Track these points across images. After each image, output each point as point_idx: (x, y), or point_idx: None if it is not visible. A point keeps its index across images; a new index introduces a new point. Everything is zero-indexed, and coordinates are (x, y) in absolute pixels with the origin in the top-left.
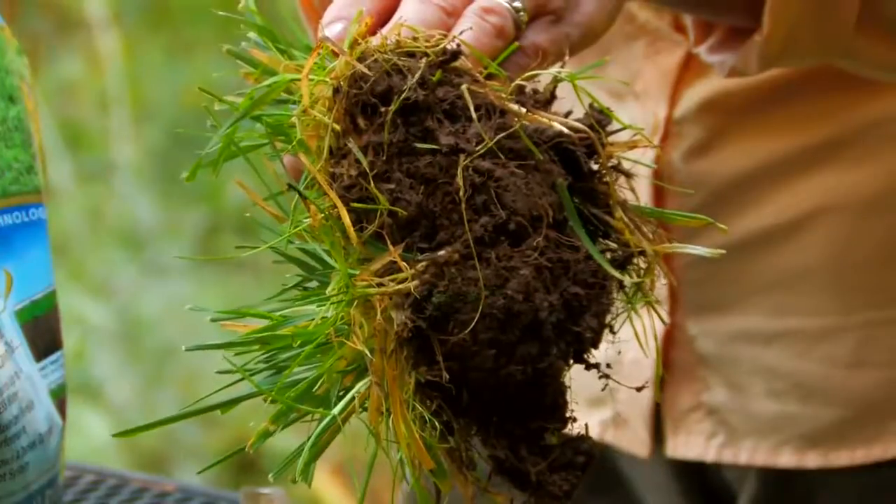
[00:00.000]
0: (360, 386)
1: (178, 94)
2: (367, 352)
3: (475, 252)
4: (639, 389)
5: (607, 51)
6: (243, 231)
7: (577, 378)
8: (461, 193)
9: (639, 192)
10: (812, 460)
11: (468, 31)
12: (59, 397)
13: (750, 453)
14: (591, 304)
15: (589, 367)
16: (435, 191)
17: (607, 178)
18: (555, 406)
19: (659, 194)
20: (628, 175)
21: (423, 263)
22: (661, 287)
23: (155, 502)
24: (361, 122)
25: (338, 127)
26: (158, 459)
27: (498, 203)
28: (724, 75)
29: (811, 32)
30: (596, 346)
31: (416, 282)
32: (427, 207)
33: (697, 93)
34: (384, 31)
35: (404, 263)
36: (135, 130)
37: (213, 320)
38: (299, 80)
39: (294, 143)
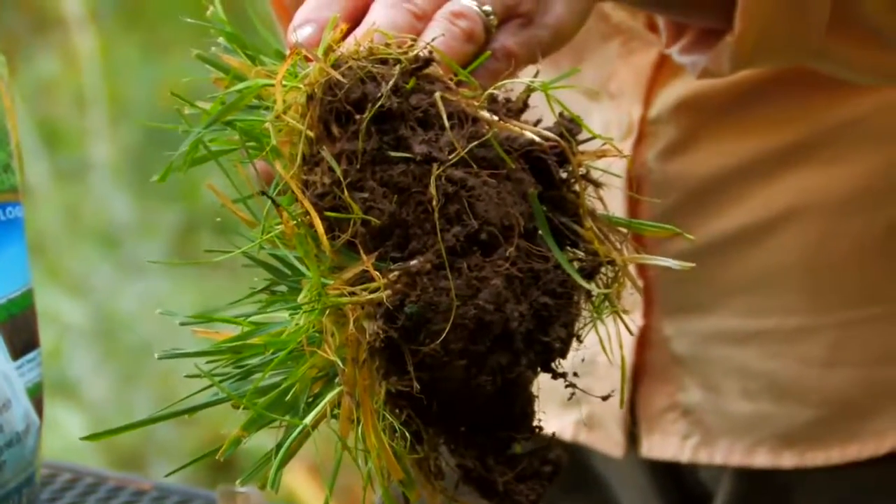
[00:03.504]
0: (332, 395)
1: (155, 93)
2: (338, 361)
3: (447, 262)
4: (604, 398)
5: (581, 51)
6: (220, 230)
7: (551, 379)
8: (434, 203)
9: (613, 194)
10: (788, 460)
11: (439, 36)
12: (36, 396)
13: (725, 453)
14: (560, 313)
15: (556, 376)
16: (408, 200)
17: (577, 188)
18: (523, 416)
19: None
20: (597, 185)
21: (396, 273)
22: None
23: (131, 501)
24: (335, 129)
25: (311, 134)
26: (134, 458)
27: (470, 212)
28: (696, 76)
29: (783, 33)
30: (564, 356)
31: (388, 291)
32: (400, 216)
33: (672, 93)
34: (356, 35)
35: (377, 273)
36: (111, 129)
37: (183, 324)
38: (271, 85)
39: (267, 149)
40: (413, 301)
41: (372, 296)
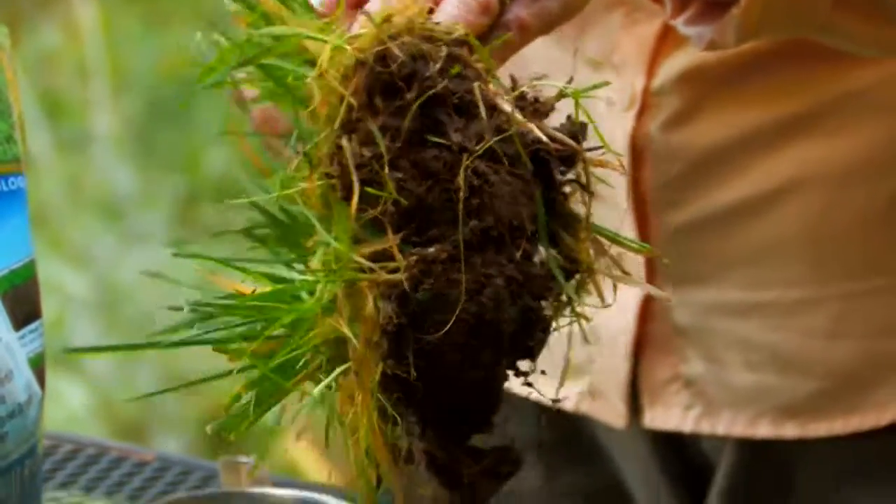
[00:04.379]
0: (338, 371)
1: (157, 64)
2: (352, 338)
3: (463, 255)
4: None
5: (584, 21)
6: (221, 199)
7: (553, 348)
8: (461, 194)
9: (616, 166)
10: (790, 431)
11: (454, 7)
12: (38, 367)
13: (728, 424)
14: (541, 318)
15: (519, 374)
16: (435, 186)
17: (570, 192)
18: (492, 412)
19: (636, 167)
20: (591, 193)
21: (415, 258)
22: (638, 259)
23: (133, 471)
24: (378, 101)
25: (354, 102)
26: (136, 429)
27: (489, 208)
28: (701, 48)
29: (788, 7)
30: (534, 359)
31: (406, 274)
32: (427, 202)
33: (675, 64)
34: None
35: (399, 255)
36: (113, 100)
37: (176, 255)
38: (311, 38)
39: (307, 106)
40: (426, 288)
41: (391, 276)
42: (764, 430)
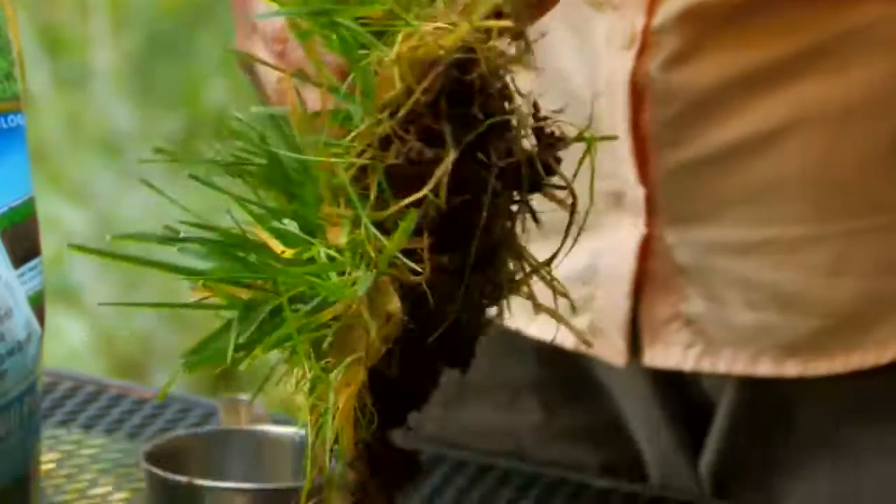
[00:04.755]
0: (351, 360)
1: None
2: (373, 331)
3: (468, 273)
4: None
5: None
6: (221, 135)
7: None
8: (483, 213)
9: (616, 106)
10: (791, 369)
11: None
12: (38, 304)
13: (728, 362)
14: (477, 337)
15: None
16: (467, 201)
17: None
18: (417, 410)
19: (637, 106)
20: (537, 221)
21: (435, 264)
22: (638, 197)
23: (133, 409)
24: (443, 103)
25: (423, 98)
26: (136, 366)
27: (491, 229)
28: None
29: None
30: (466, 371)
31: (426, 278)
32: (459, 214)
33: (676, 2)
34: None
35: (428, 258)
36: (113, 36)
37: (191, 177)
38: (399, 18)
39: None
40: (438, 295)
41: (416, 278)
42: (765, 368)
